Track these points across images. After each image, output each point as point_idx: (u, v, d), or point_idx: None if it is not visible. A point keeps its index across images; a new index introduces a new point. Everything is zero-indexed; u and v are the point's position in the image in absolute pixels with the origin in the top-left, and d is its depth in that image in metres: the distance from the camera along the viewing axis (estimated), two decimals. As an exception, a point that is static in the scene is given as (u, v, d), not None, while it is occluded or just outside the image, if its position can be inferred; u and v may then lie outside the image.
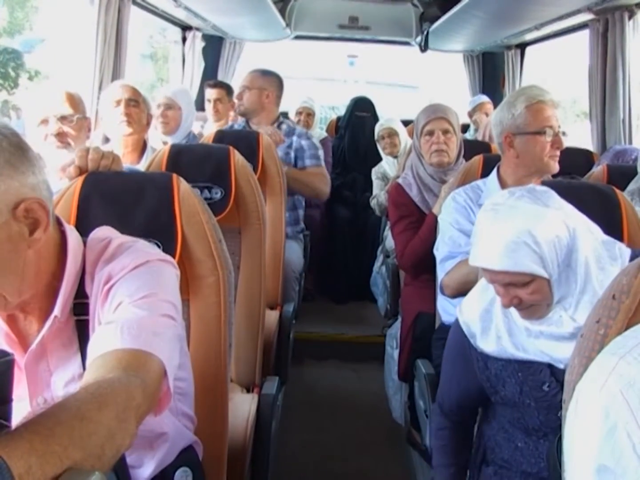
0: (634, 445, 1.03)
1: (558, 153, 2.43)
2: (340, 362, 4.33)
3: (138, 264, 1.33)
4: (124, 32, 3.74)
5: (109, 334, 1.20)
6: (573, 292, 1.61)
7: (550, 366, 1.65)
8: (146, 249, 1.40)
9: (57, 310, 1.28)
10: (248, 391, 2.51)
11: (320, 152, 3.98)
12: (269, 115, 4.01)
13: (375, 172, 4.70)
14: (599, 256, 1.65)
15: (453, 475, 1.89)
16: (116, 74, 3.68)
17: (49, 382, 1.34)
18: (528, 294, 1.60)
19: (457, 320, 1.84)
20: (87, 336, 1.31)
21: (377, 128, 4.82)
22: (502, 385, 1.72)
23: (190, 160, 2.61)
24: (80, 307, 1.33)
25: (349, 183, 5.31)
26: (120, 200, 1.83)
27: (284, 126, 4.04)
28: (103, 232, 1.45)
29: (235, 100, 4.16)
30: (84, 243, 1.39)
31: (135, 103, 3.07)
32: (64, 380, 1.34)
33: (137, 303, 1.26)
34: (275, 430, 2.48)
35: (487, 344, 1.72)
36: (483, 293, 1.79)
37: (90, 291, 1.34)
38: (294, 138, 3.96)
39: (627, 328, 1.23)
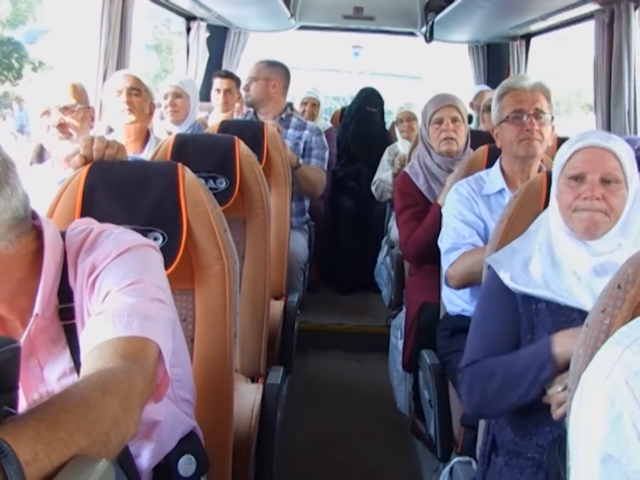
0: (639, 435, 1.03)
1: (533, 135, 2.45)
2: (345, 352, 4.34)
3: (121, 251, 1.32)
4: (129, 22, 3.73)
5: (101, 325, 1.19)
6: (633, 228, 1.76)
7: (580, 312, 1.68)
8: (127, 235, 1.39)
9: (37, 308, 1.26)
10: (253, 381, 2.52)
11: (326, 153, 4.00)
12: (276, 106, 4.02)
13: (388, 151, 4.72)
14: None
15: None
16: (120, 64, 3.67)
17: (42, 377, 1.33)
18: (612, 194, 1.73)
19: (492, 270, 1.88)
20: (74, 330, 1.30)
21: (397, 111, 4.85)
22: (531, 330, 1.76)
23: (196, 150, 2.60)
24: (65, 300, 1.32)
25: (354, 174, 5.29)
26: (125, 189, 1.83)
27: (293, 119, 4.05)
28: (83, 223, 1.44)
29: (243, 92, 4.17)
30: (63, 236, 1.38)
31: (137, 92, 3.06)
32: (56, 375, 1.33)
33: (125, 290, 1.26)
34: (279, 420, 2.48)
35: (526, 286, 1.78)
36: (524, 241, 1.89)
37: (74, 284, 1.32)
38: (306, 132, 3.99)
39: (632, 318, 1.22)
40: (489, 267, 1.91)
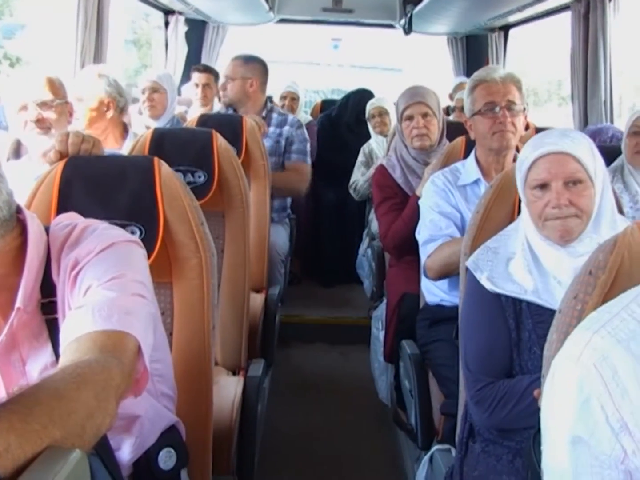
0: (607, 417, 1.05)
1: (506, 127, 2.46)
2: (327, 344, 4.35)
3: (104, 247, 1.33)
4: (105, 16, 3.70)
5: (81, 318, 1.19)
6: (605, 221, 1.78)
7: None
8: (111, 231, 1.40)
9: (19, 302, 1.26)
10: (234, 374, 2.52)
11: (308, 145, 3.97)
12: (255, 104, 3.97)
13: (362, 151, 4.70)
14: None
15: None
16: (98, 59, 3.66)
17: (24, 371, 1.33)
18: (579, 196, 1.74)
19: (472, 276, 1.88)
20: (56, 324, 1.31)
21: (368, 107, 4.82)
22: (516, 328, 1.78)
23: (173, 144, 2.60)
24: (47, 295, 1.32)
25: (331, 165, 5.28)
26: (101, 184, 1.83)
27: (274, 115, 4.01)
28: (67, 218, 1.45)
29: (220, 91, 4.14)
30: (47, 231, 1.38)
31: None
32: (38, 369, 1.33)
33: (106, 285, 1.26)
34: (261, 412, 2.49)
35: (507, 288, 1.80)
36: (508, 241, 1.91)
37: (57, 278, 1.33)
38: (286, 128, 3.94)
39: (603, 303, 1.24)
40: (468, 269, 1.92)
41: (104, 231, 1.38)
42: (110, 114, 3.00)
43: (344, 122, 5.35)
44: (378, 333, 3.39)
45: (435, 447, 2.17)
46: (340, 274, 5.11)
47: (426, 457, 2.17)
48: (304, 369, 4.03)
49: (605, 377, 1.07)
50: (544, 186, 1.77)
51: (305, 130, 4.03)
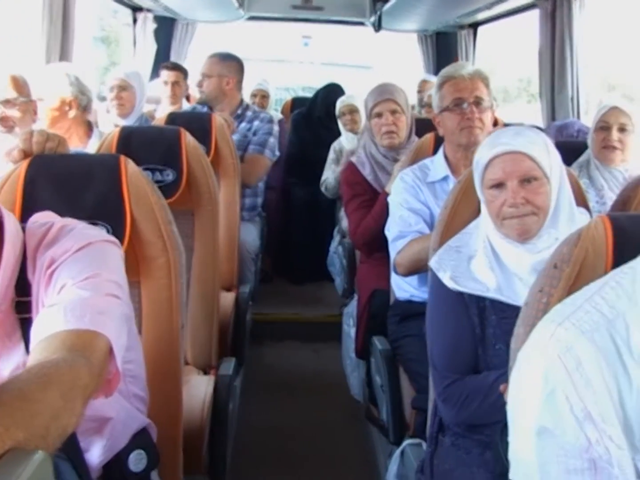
0: (572, 407, 1.07)
1: (474, 123, 2.48)
2: (299, 342, 4.35)
3: (81, 246, 1.32)
4: (71, 13, 3.65)
5: (53, 316, 1.19)
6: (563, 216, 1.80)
7: None
8: (88, 231, 1.39)
9: None
10: (205, 373, 2.51)
11: (271, 139, 3.95)
12: (231, 102, 3.97)
13: (332, 148, 4.70)
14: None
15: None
16: (64, 56, 3.62)
17: None
18: (535, 193, 1.76)
19: (436, 275, 1.89)
20: (30, 323, 1.29)
21: (338, 104, 4.81)
22: (480, 325, 1.79)
23: (141, 143, 2.58)
24: (22, 294, 1.31)
25: (304, 163, 5.28)
26: (67, 183, 1.82)
27: (248, 113, 4.01)
28: (44, 217, 1.44)
29: (191, 86, 4.11)
30: (24, 229, 1.37)
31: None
32: (10, 368, 1.32)
33: (81, 284, 1.25)
34: (232, 411, 2.49)
35: (469, 286, 1.81)
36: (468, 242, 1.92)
37: (33, 277, 1.32)
38: (256, 122, 3.94)
39: (568, 295, 1.26)
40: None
41: (81, 231, 1.38)
42: (72, 113, 2.95)
43: (315, 118, 5.34)
44: (349, 330, 3.40)
45: (406, 442, 2.18)
46: (311, 272, 5.10)
47: (397, 452, 2.17)
48: (276, 367, 4.03)
49: (569, 368, 1.09)
50: (499, 185, 1.79)
51: (273, 126, 4.01)
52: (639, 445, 1.08)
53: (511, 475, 1.18)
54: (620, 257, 1.29)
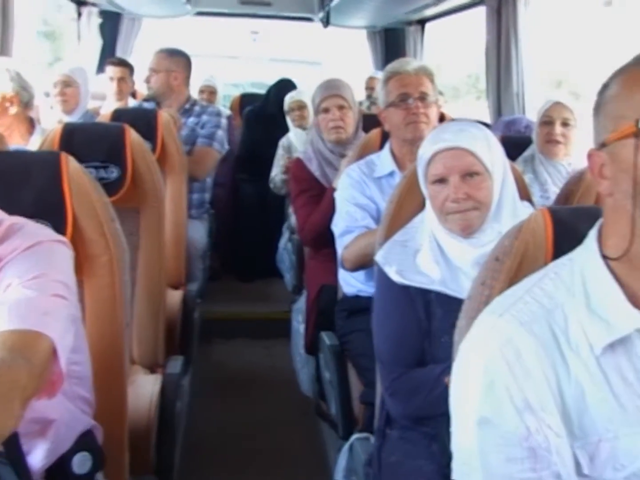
0: (511, 397, 1.09)
1: (419, 118, 2.50)
2: (249, 339, 4.34)
3: (29, 245, 1.30)
4: (11, 6, 3.56)
5: None
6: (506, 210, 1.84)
7: None
8: (38, 230, 1.37)
9: None
10: (152, 372, 2.49)
11: (219, 132, 3.94)
12: (179, 97, 3.95)
13: (281, 144, 4.70)
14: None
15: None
16: (4, 51, 3.53)
17: None
18: (477, 188, 1.78)
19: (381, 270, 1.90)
20: None
21: (287, 100, 4.81)
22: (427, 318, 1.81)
23: (84, 140, 2.55)
24: None
25: (255, 159, 5.26)
26: (5, 180, 1.78)
27: (196, 108, 4.00)
28: None
29: (138, 82, 4.08)
30: None
31: None
32: None
33: (27, 284, 1.23)
34: (181, 410, 2.47)
35: (415, 279, 1.82)
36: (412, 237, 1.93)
37: None
38: (204, 117, 3.93)
39: (509, 287, 1.27)
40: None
41: (30, 229, 1.36)
42: (14, 109, 2.88)
43: (268, 115, 5.33)
44: (298, 326, 3.40)
45: (354, 436, 2.19)
46: (261, 268, 5.09)
47: (346, 447, 2.18)
48: (225, 365, 4.01)
49: (509, 359, 1.10)
50: (442, 181, 1.81)
51: (221, 119, 4.00)
52: (577, 433, 1.10)
53: (453, 464, 1.19)
54: (559, 249, 1.31)
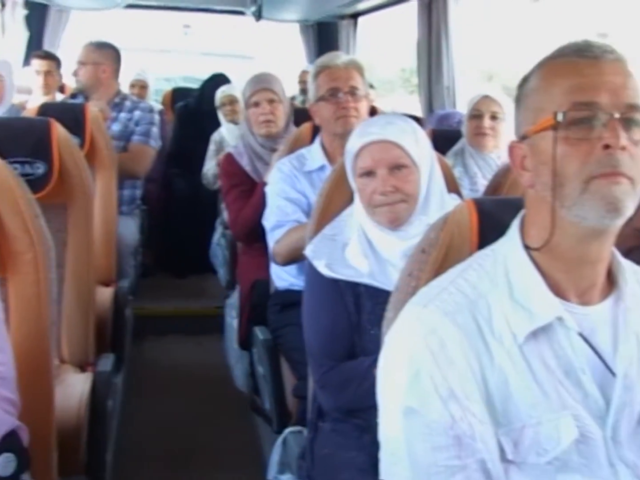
0: (436, 387, 1.10)
1: (349, 112, 2.51)
2: (183, 336, 4.29)
3: None
4: None
5: None
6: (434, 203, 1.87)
7: None
8: None
9: None
10: (82, 371, 2.44)
11: (154, 128, 3.91)
12: (107, 90, 3.89)
13: (213, 139, 4.67)
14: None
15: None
16: None
17: None
18: (404, 181, 1.80)
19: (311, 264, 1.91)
20: None
21: (218, 95, 4.78)
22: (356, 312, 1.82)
23: (8, 135, 2.50)
24: None
25: (188, 155, 5.22)
26: None
27: (127, 102, 3.95)
28: None
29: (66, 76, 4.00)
30: None
31: None
32: None
33: None
34: (112, 408, 2.44)
35: (344, 273, 1.83)
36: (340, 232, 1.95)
37: None
38: (137, 112, 3.89)
39: (435, 278, 1.29)
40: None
41: None
42: None
43: (201, 110, 5.28)
44: (232, 321, 3.39)
45: (287, 430, 2.19)
46: (194, 264, 5.05)
47: (279, 440, 2.18)
48: (159, 362, 3.97)
49: (433, 349, 1.12)
50: (370, 174, 1.83)
51: (155, 116, 3.98)
52: (501, 420, 1.13)
53: (381, 454, 1.21)
54: (484, 240, 1.33)
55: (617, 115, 1.07)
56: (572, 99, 1.09)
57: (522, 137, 1.17)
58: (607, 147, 1.06)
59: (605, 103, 1.08)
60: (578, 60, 1.11)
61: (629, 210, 1.09)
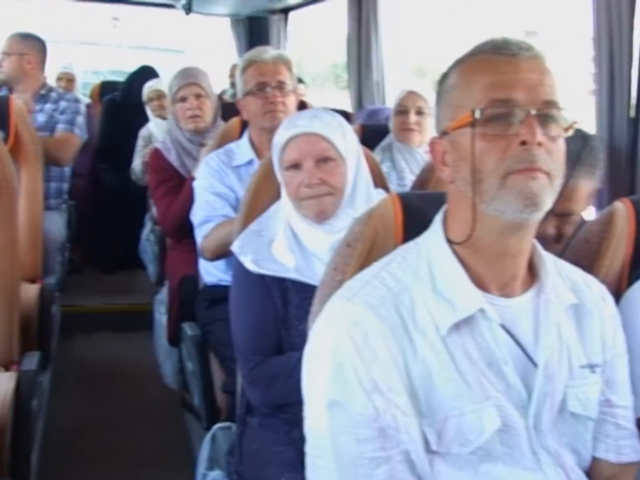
0: (360, 379, 1.11)
1: (277, 107, 2.53)
2: (112, 333, 4.24)
3: None
4: None
5: None
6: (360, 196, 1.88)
7: None
8: None
9: None
10: (7, 370, 2.39)
11: (80, 119, 3.85)
12: (32, 82, 3.82)
13: (141, 134, 4.61)
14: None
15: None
16: None
17: None
18: (330, 174, 1.82)
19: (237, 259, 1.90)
20: None
21: (146, 90, 4.72)
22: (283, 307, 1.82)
23: None
24: None
25: (116, 149, 5.14)
26: None
27: (53, 95, 3.88)
28: None
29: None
30: None
31: None
32: None
33: None
34: (38, 408, 2.39)
35: (270, 268, 1.83)
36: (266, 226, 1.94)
37: None
38: (62, 103, 3.83)
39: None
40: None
41: None
42: None
43: (129, 104, 5.20)
44: (161, 317, 3.35)
45: (216, 426, 2.18)
46: (124, 260, 4.97)
47: (208, 437, 2.17)
48: (87, 360, 3.91)
49: (357, 342, 1.13)
50: (296, 166, 1.84)
51: (81, 106, 3.93)
52: (425, 411, 1.15)
53: (307, 448, 1.22)
54: (409, 234, 1.35)
55: (533, 112, 1.10)
56: (490, 96, 1.11)
57: (443, 133, 1.19)
58: (524, 143, 1.09)
59: (522, 100, 1.11)
60: (495, 58, 1.14)
61: (546, 205, 1.12)
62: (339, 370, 1.13)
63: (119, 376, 3.71)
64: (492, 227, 1.15)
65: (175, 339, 2.97)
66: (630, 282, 1.49)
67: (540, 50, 1.17)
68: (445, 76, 1.21)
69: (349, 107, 4.65)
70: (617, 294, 1.44)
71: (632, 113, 2.36)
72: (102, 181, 5.11)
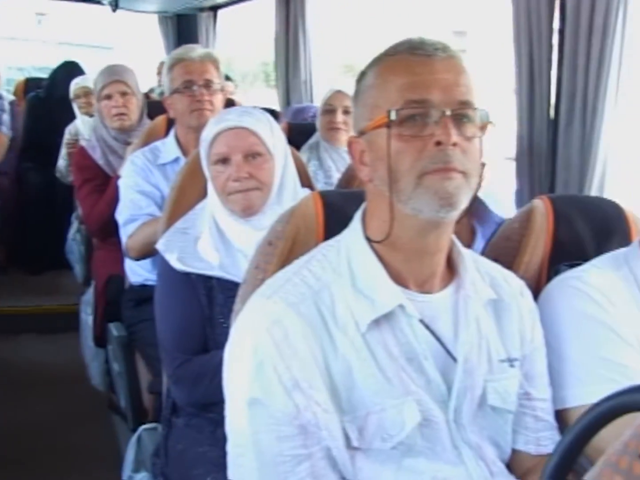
0: (280, 377, 1.12)
1: (204, 106, 2.52)
2: (38, 334, 4.16)
3: None
4: None
5: None
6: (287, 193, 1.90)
7: None
8: None
9: None
10: None
11: (5, 117, 3.77)
12: None
13: (67, 132, 4.51)
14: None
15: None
16: None
17: None
18: (259, 168, 1.83)
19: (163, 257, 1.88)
20: None
21: (73, 86, 4.61)
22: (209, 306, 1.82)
23: None
24: None
25: (42, 147, 5.03)
26: None
27: None
28: None
29: None
30: None
31: None
32: None
33: None
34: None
35: (195, 266, 1.83)
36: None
37: None
38: None
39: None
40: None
41: None
42: None
43: (54, 100, 5.08)
44: (87, 318, 3.30)
45: (142, 427, 2.16)
46: (50, 260, 4.87)
47: (133, 438, 2.15)
48: (12, 363, 3.83)
49: (276, 340, 1.13)
50: (225, 160, 1.84)
51: (4, 103, 3.85)
52: (345, 408, 1.16)
53: (228, 447, 1.21)
54: (330, 232, 1.36)
55: (448, 112, 1.11)
56: (405, 96, 1.13)
57: (360, 133, 1.20)
58: (439, 143, 1.11)
59: (437, 100, 1.12)
60: (411, 58, 1.15)
61: (462, 204, 1.14)
62: (260, 368, 1.13)
63: (45, 379, 3.63)
64: (410, 226, 1.16)
65: (101, 339, 2.93)
66: (549, 278, 1.54)
67: (456, 50, 1.19)
68: (363, 75, 1.22)
69: (277, 106, 4.66)
70: (537, 290, 1.48)
71: (552, 114, 2.40)
72: (27, 180, 5.01)
